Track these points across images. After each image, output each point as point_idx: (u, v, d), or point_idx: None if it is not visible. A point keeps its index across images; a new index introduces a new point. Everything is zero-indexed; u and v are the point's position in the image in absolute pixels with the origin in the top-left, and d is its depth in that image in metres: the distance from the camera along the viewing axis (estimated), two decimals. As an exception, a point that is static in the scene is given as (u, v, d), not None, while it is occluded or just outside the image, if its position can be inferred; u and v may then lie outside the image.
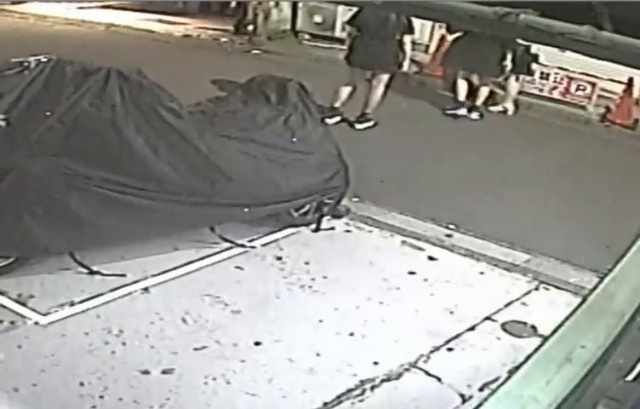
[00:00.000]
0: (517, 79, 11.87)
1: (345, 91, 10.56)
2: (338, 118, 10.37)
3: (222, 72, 11.45)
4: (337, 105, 10.49)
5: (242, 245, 6.78)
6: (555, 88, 12.66)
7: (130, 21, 16.04)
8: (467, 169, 9.10)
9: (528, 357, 1.61)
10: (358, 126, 10.44)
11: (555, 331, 1.68)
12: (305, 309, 5.92)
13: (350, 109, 10.58)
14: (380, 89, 10.55)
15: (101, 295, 5.77)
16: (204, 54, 13.86)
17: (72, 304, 5.61)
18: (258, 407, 4.79)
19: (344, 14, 14.53)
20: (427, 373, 5.27)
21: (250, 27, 15.07)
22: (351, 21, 10.69)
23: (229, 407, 4.77)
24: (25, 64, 6.05)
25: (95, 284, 5.90)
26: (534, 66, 12.17)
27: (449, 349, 5.58)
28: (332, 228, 7.36)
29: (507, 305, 6.26)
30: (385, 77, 10.54)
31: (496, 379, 4.99)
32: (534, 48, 11.41)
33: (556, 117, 11.93)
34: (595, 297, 1.80)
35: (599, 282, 1.86)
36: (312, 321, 5.74)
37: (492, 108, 11.69)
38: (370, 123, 10.49)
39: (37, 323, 5.38)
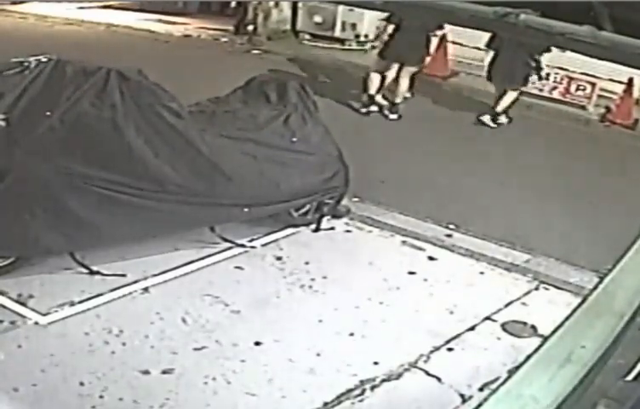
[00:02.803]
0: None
1: (377, 79, 11.15)
2: (375, 108, 11.14)
3: (222, 72, 11.44)
4: (372, 92, 11.15)
5: (242, 245, 6.78)
6: (555, 88, 12.66)
7: (130, 21, 16.05)
8: (467, 169, 9.10)
9: (529, 357, 1.61)
10: (391, 116, 11.11)
11: (555, 331, 1.68)
12: (305, 309, 5.92)
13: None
14: (407, 81, 11.23)
15: (101, 295, 5.77)
16: (204, 54, 13.85)
17: (72, 304, 5.61)
18: (258, 407, 4.79)
19: (344, 14, 14.58)
20: (427, 373, 5.26)
21: (250, 27, 15.08)
22: (388, 19, 11.11)
23: (229, 407, 4.77)
24: (25, 64, 6.05)
25: (95, 284, 5.90)
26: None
27: (449, 349, 5.58)
28: (332, 228, 7.36)
29: (507, 305, 6.26)
30: (411, 70, 11.24)
31: (496, 379, 4.99)
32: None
33: (556, 117, 11.93)
34: (595, 297, 1.80)
35: (599, 282, 1.86)
36: (312, 321, 5.74)
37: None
38: (395, 116, 11.11)
39: (37, 323, 5.38)
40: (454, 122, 11.28)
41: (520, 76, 11.34)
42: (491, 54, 11.44)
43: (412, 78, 11.31)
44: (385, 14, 11.29)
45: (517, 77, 11.32)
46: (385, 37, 11.27)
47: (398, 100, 11.19)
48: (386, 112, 11.13)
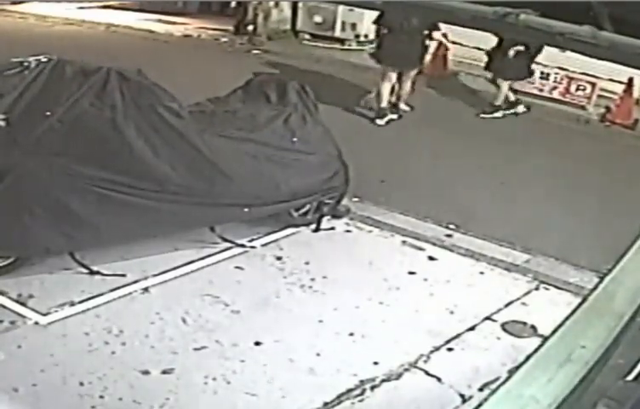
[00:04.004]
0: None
1: (387, 89, 10.98)
2: (387, 118, 10.92)
3: (222, 72, 11.45)
4: (384, 105, 10.93)
5: (242, 245, 6.78)
6: (555, 88, 12.65)
7: (130, 21, 16.05)
8: (467, 170, 9.10)
9: (529, 357, 1.61)
10: (392, 116, 10.98)
11: (555, 331, 1.68)
12: (305, 309, 5.92)
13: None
14: (409, 84, 11.15)
15: (101, 295, 5.77)
16: (204, 54, 13.86)
17: (72, 304, 5.62)
18: (258, 407, 4.79)
19: (344, 14, 14.58)
20: (427, 373, 5.27)
21: (250, 27, 15.07)
22: (378, 20, 10.99)
23: (229, 407, 4.77)
24: (25, 64, 6.05)
25: (95, 284, 5.90)
26: None
27: (449, 349, 5.58)
28: (332, 228, 7.36)
29: (507, 305, 6.26)
30: (412, 73, 11.13)
31: (496, 379, 4.99)
32: None
33: (556, 117, 11.93)
34: (595, 297, 1.80)
35: (599, 282, 1.86)
36: (312, 321, 5.74)
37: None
38: (395, 116, 11.03)
39: (37, 323, 5.38)
40: (454, 122, 11.28)
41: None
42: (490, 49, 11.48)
43: (413, 81, 11.24)
44: (375, 16, 11.20)
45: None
46: (377, 40, 11.17)
47: (401, 103, 11.14)
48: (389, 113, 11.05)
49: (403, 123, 10.91)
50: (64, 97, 5.92)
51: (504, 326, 5.92)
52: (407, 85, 11.15)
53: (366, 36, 14.50)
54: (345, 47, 14.75)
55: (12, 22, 15.57)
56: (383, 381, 5.12)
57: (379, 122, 10.86)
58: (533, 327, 5.88)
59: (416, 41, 10.92)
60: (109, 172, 5.94)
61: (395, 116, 11.06)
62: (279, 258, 6.68)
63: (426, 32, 11.07)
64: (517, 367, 1.60)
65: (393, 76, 10.99)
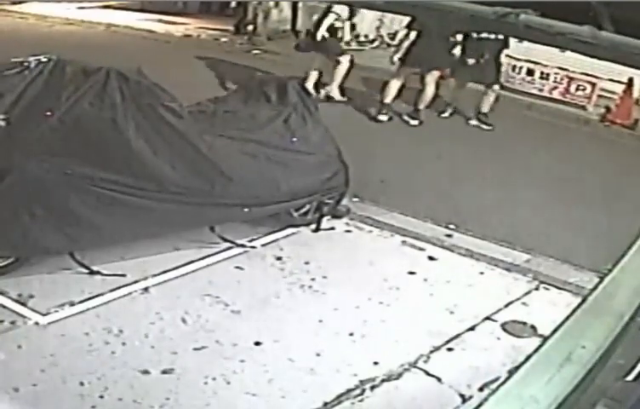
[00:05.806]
0: None
1: (395, 87, 10.89)
2: (388, 115, 10.89)
3: (222, 72, 11.47)
4: (387, 101, 10.88)
5: (243, 245, 6.78)
6: (555, 88, 12.67)
7: (130, 21, 16.06)
8: (467, 170, 9.10)
9: (528, 357, 1.61)
10: (412, 122, 10.90)
11: (555, 331, 1.68)
12: (305, 309, 5.92)
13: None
14: (432, 87, 10.99)
15: (101, 295, 5.77)
16: (204, 54, 13.85)
17: (72, 304, 5.61)
18: (258, 407, 4.79)
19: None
20: (427, 373, 5.26)
21: (250, 27, 15.10)
22: (410, 25, 10.85)
23: (229, 407, 4.77)
24: (25, 64, 6.04)
25: (95, 284, 5.90)
26: None
27: (449, 349, 5.58)
28: (332, 228, 7.36)
29: (507, 305, 6.26)
30: (436, 75, 10.97)
31: (496, 379, 4.98)
32: None
33: (556, 117, 11.93)
34: (595, 297, 1.80)
35: (599, 282, 1.86)
36: (312, 321, 5.74)
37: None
38: (416, 122, 10.92)
39: (37, 323, 5.37)
40: (453, 122, 11.28)
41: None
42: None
43: (437, 84, 11.09)
44: (407, 21, 11.14)
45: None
46: (405, 44, 10.89)
47: (421, 106, 10.99)
48: (406, 117, 10.96)
49: (403, 124, 10.90)
50: (64, 97, 5.91)
51: (504, 326, 5.92)
52: (430, 88, 10.96)
53: (366, 36, 14.52)
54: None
55: (12, 22, 15.57)
56: (383, 381, 5.12)
57: (380, 118, 10.84)
58: (533, 327, 5.88)
59: (444, 43, 10.79)
60: (109, 172, 5.94)
61: (416, 121, 10.89)
62: (279, 258, 6.67)
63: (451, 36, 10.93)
64: (517, 367, 1.60)
65: (406, 76, 10.87)
